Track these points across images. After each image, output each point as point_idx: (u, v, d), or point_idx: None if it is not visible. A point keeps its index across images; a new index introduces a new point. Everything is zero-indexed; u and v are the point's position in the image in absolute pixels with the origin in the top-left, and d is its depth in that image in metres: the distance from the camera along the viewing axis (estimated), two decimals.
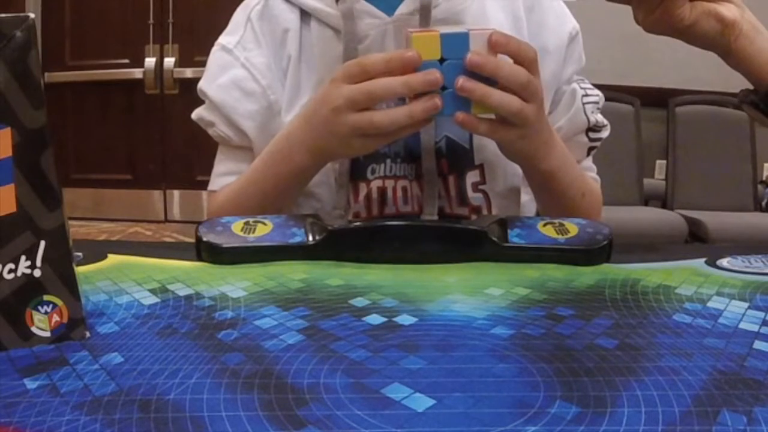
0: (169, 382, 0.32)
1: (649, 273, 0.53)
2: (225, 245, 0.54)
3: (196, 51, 3.45)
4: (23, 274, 0.35)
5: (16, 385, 0.31)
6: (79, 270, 0.44)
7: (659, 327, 0.41)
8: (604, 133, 0.79)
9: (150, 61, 3.59)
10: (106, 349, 0.36)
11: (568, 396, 0.31)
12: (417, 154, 0.71)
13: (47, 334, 0.36)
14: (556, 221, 0.59)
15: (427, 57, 0.54)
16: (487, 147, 0.72)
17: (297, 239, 0.55)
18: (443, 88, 0.55)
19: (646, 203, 3.08)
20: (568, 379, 0.33)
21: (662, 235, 2.61)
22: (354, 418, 0.29)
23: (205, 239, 0.55)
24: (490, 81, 0.55)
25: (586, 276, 0.52)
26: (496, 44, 0.55)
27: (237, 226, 0.56)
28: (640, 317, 0.42)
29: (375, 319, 0.41)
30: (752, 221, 2.80)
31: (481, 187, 0.73)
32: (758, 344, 0.38)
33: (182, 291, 0.46)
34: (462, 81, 0.54)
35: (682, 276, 0.52)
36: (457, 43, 0.54)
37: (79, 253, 0.53)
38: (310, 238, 0.55)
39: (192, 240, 0.56)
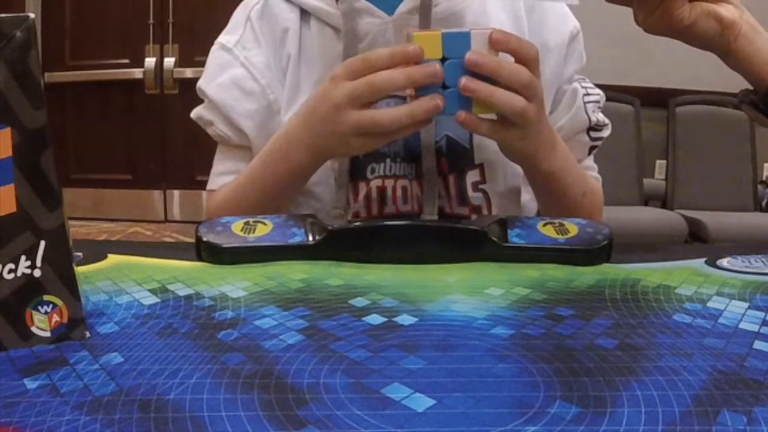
0: (169, 382, 0.32)
1: (649, 273, 0.53)
2: (225, 245, 0.54)
3: (196, 51, 3.44)
4: (23, 274, 0.35)
5: (16, 385, 0.31)
6: (79, 270, 0.44)
7: (659, 327, 0.41)
8: (605, 132, 0.79)
9: (150, 61, 3.59)
10: (106, 349, 0.36)
11: (568, 396, 0.31)
12: (417, 153, 0.71)
13: (47, 334, 0.36)
14: (556, 221, 0.59)
15: (429, 56, 0.54)
16: (487, 146, 0.71)
17: (297, 239, 0.55)
18: (444, 87, 0.55)
19: (646, 203, 3.08)
20: (568, 379, 0.33)
21: (662, 235, 2.61)
22: (354, 418, 0.29)
23: (205, 239, 0.55)
24: (492, 81, 0.55)
25: (586, 276, 0.52)
26: (497, 42, 0.54)
27: (237, 226, 0.56)
28: (640, 317, 0.42)
29: (375, 319, 0.41)
30: (752, 221, 2.80)
31: (481, 186, 0.73)
32: (758, 344, 0.38)
33: (182, 291, 0.46)
34: (465, 80, 0.54)
35: (682, 276, 0.52)
36: (458, 42, 0.54)
37: (79, 253, 0.53)
38: (310, 238, 0.55)
39: (192, 240, 0.56)
